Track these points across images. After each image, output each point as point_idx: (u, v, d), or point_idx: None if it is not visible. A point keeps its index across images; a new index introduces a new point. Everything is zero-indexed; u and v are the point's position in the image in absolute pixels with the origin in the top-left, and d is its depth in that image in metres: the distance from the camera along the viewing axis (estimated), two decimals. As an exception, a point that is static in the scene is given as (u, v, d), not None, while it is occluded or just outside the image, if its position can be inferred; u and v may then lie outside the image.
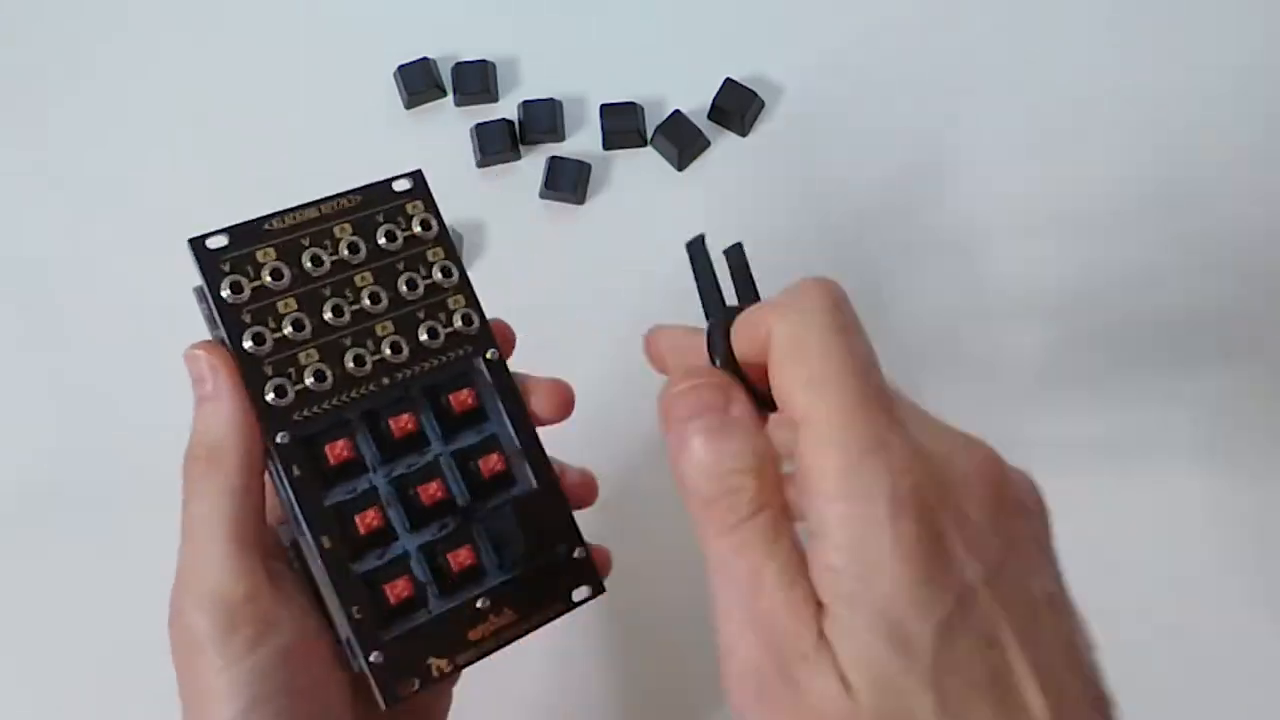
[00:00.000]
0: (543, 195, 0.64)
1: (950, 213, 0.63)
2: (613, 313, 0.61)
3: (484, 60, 0.67)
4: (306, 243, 0.40)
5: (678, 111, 0.65)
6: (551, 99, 0.65)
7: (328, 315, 0.39)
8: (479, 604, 0.39)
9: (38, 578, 0.57)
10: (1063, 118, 0.65)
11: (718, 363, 0.33)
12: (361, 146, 0.66)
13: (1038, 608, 0.29)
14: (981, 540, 0.29)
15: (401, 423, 0.40)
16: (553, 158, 0.64)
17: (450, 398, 0.41)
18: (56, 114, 0.67)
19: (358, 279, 0.40)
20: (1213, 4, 0.68)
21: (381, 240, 0.41)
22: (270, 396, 0.38)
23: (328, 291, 0.40)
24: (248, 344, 0.38)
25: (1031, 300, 0.61)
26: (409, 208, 0.42)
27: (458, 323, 0.42)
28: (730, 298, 0.36)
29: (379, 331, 0.40)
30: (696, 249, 0.38)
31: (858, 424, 0.29)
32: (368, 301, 0.40)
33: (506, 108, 0.67)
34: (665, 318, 0.61)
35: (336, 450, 0.39)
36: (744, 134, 0.65)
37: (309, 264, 0.40)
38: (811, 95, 0.66)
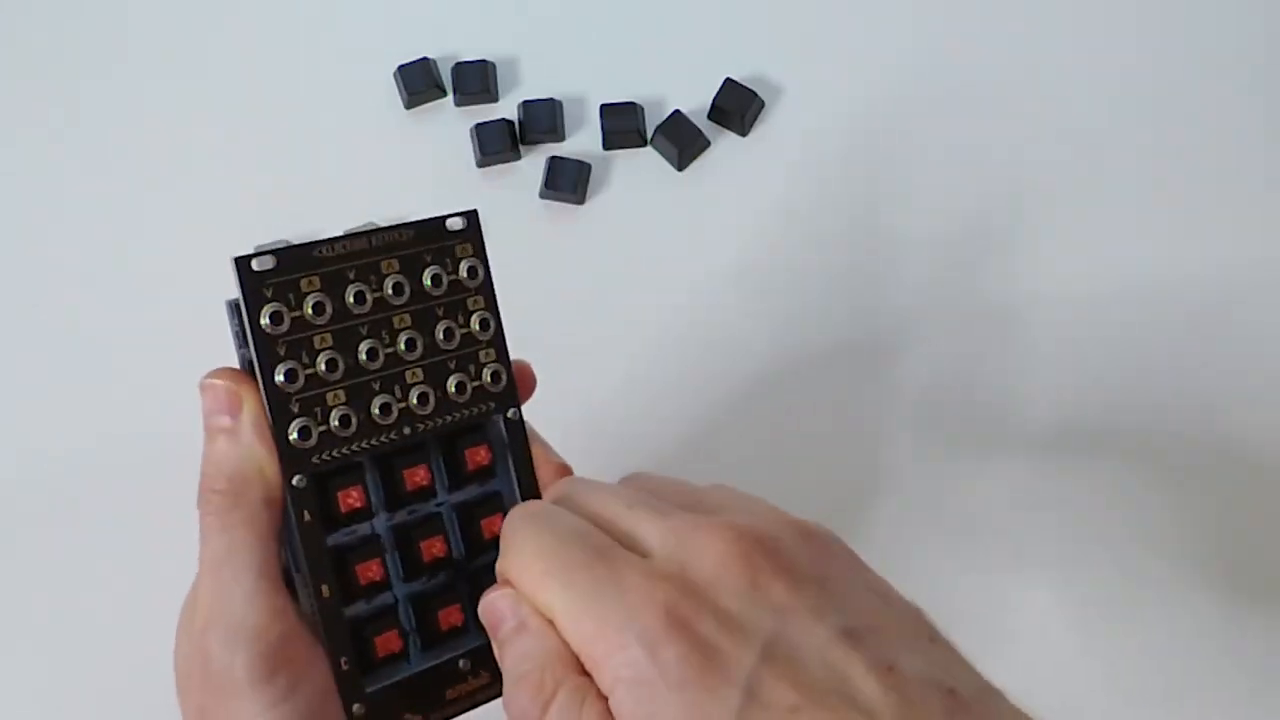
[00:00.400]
0: (543, 195, 0.64)
1: (951, 212, 0.63)
2: (612, 313, 0.61)
3: (484, 60, 0.67)
4: (352, 276, 0.38)
5: (678, 111, 0.65)
6: (551, 99, 0.65)
7: (362, 357, 0.38)
8: (461, 664, 0.39)
9: (34, 578, 0.57)
10: (1065, 116, 0.65)
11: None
12: (361, 146, 0.66)
13: (827, 651, 0.29)
14: (746, 624, 0.29)
15: (416, 477, 0.39)
16: (553, 158, 0.64)
17: (466, 453, 0.40)
18: (57, 113, 0.67)
19: (396, 320, 0.39)
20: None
21: (426, 282, 0.40)
22: (294, 437, 0.37)
23: (364, 331, 0.39)
24: (279, 378, 0.37)
25: (1028, 297, 0.61)
26: (458, 250, 0.41)
27: (486, 378, 0.40)
28: None
29: (408, 379, 0.39)
30: None
31: (581, 595, 0.31)
32: (403, 347, 0.39)
33: (506, 108, 0.67)
34: (664, 316, 0.62)
35: (349, 500, 0.38)
36: (744, 134, 0.65)
37: (351, 300, 0.38)
38: (811, 95, 0.66)
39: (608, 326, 0.61)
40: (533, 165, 0.65)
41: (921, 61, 0.67)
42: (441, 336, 0.40)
